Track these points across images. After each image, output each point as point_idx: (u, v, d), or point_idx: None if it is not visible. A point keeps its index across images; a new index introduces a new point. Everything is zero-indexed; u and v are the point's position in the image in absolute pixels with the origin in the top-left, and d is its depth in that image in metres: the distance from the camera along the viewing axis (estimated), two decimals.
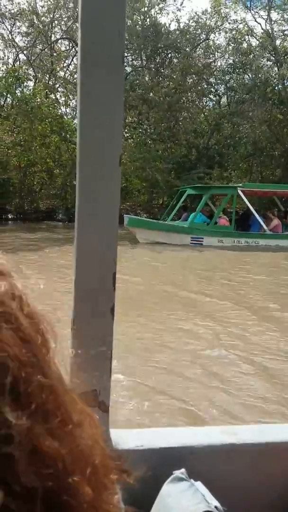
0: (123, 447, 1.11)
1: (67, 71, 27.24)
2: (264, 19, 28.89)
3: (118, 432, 1.18)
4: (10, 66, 26.36)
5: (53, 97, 25.83)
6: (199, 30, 27.98)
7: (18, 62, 27.38)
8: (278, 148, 27.81)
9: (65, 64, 27.59)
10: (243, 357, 4.91)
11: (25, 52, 27.45)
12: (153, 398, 3.92)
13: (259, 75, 27.65)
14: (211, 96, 29.65)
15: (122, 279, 8.89)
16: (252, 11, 29.15)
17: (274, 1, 28.22)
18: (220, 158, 26.90)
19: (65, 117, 25.21)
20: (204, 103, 30.19)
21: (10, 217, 25.38)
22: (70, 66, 27.36)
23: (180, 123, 27.74)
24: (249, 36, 28.93)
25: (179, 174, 24.52)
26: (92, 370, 1.01)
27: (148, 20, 27.24)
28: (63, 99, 26.20)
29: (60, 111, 25.68)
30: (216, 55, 28.57)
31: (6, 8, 26.09)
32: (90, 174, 0.98)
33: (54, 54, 26.94)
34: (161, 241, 15.19)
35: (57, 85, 26.66)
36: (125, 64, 26.82)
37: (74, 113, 25.07)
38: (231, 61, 28.50)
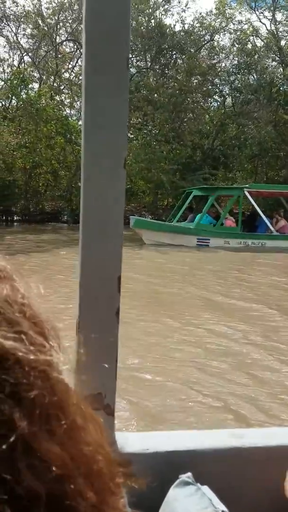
0: (128, 451, 1.10)
1: (72, 72, 27.33)
2: (269, 19, 28.92)
3: (124, 435, 1.18)
4: (15, 68, 26.51)
5: (58, 99, 25.90)
6: (204, 31, 27.99)
7: (23, 64, 27.52)
8: (284, 149, 27.69)
9: (70, 66, 27.67)
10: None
11: (30, 54, 27.57)
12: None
13: (264, 76, 27.61)
14: (216, 97, 29.64)
15: (140, 280, 9.01)
16: (256, 12, 29.19)
17: (279, 1, 28.22)
18: (225, 159, 26.85)
19: (70, 118, 25.30)
20: (209, 104, 30.20)
21: (15, 218, 25.48)
22: (75, 68, 27.43)
23: (185, 124, 27.74)
24: (254, 36, 28.93)
25: (184, 175, 24.49)
26: (98, 373, 1.01)
27: (152, 21, 27.29)
28: (68, 100, 26.28)
29: (65, 112, 25.79)
30: (220, 56, 28.57)
31: (11, 10, 26.24)
32: (95, 176, 0.98)
33: (59, 56, 27.02)
34: (167, 243, 15.15)
35: (62, 87, 26.73)
36: (130, 65, 26.84)
37: (79, 114, 25.14)
38: (235, 62, 28.49)
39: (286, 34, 28.56)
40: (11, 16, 26.42)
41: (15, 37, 27.31)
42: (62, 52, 27.47)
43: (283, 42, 28.27)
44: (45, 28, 26.70)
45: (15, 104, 25.11)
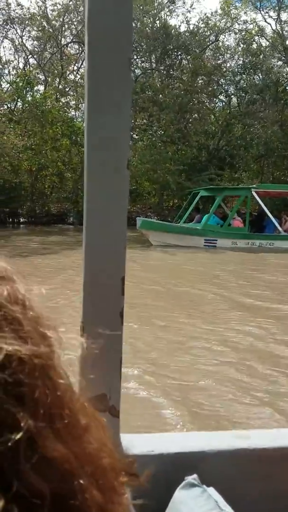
0: (134, 452, 1.10)
1: (78, 74, 27.41)
2: (274, 19, 28.90)
3: (129, 437, 1.17)
4: (20, 70, 26.65)
5: (64, 101, 25.99)
6: (209, 31, 27.99)
7: (28, 66, 27.65)
8: None
9: (75, 68, 27.77)
10: None
11: (35, 56, 27.70)
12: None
13: (270, 76, 27.55)
14: (222, 97, 29.64)
15: (158, 280, 9.06)
16: (262, 12, 29.17)
17: (284, 1, 28.18)
18: (231, 159, 26.83)
19: (75, 120, 25.37)
20: (214, 104, 30.18)
21: (22, 220, 25.58)
22: (80, 70, 27.51)
23: (191, 125, 27.73)
24: (259, 36, 28.90)
25: (190, 176, 24.49)
26: (103, 375, 1.00)
27: (158, 22, 27.32)
28: (73, 102, 26.36)
29: (70, 114, 25.87)
30: (225, 56, 28.56)
31: (16, 13, 26.38)
32: (98, 177, 0.98)
33: (64, 57, 27.11)
34: (174, 244, 15.13)
35: (68, 89, 26.81)
36: (135, 66, 26.99)
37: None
38: (240, 62, 28.46)
39: None
40: (16, 19, 26.60)
41: (20, 40, 27.51)
42: (67, 54, 27.57)
43: None
44: (50, 30, 26.82)
45: (21, 106, 25.23)
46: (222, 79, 28.73)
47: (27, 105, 24.02)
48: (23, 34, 27.52)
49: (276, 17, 28.62)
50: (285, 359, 4.93)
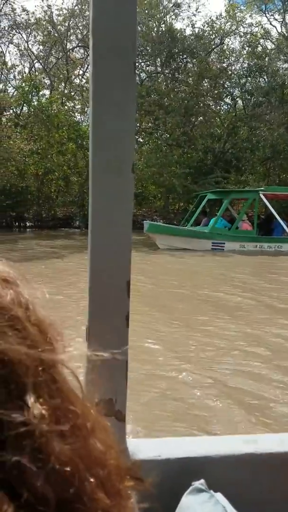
0: (140, 457, 1.09)
1: (83, 79, 27.50)
2: (279, 22, 28.91)
3: (135, 441, 1.16)
4: (26, 75, 26.79)
5: (69, 105, 26.09)
6: (214, 34, 28.00)
7: (33, 71, 27.78)
8: None
9: (80, 72, 27.87)
10: None
11: (40, 61, 27.83)
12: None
13: (276, 78, 27.50)
14: (227, 100, 29.62)
15: (176, 284, 9.08)
16: (267, 15, 29.18)
17: None
18: (237, 162, 26.79)
19: (81, 124, 25.44)
20: (220, 107, 30.17)
21: (28, 224, 25.66)
22: (85, 74, 27.60)
23: (196, 128, 27.72)
24: (264, 39, 28.90)
25: (196, 179, 24.47)
26: (108, 379, 1.00)
27: (163, 26, 27.38)
28: (79, 106, 26.44)
29: (76, 118, 25.96)
30: (230, 59, 28.55)
31: (22, 18, 26.53)
32: (103, 181, 0.98)
33: (70, 62, 27.22)
34: (181, 247, 15.10)
35: (73, 93, 26.91)
36: (140, 70, 27.06)
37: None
38: (246, 65, 28.44)
39: None
40: (21, 25, 26.74)
41: (26, 44, 27.66)
42: (73, 58, 27.68)
43: None
44: (56, 34, 26.94)
45: (27, 111, 25.35)
46: (227, 82, 28.73)
47: (33, 109, 24.13)
48: (29, 39, 27.71)
49: (281, 19, 28.69)
50: None
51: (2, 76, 27.20)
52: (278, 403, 3.92)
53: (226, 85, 28.88)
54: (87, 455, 0.40)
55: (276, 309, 7.33)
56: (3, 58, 27.02)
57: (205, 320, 6.46)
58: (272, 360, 4.93)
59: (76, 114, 26.22)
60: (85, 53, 27.55)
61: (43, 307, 0.44)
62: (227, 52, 28.43)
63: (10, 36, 27.04)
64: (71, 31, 27.65)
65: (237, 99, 29.56)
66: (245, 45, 28.38)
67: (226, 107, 30.19)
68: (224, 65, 28.04)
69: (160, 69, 28.18)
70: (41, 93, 25.46)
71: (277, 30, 29.27)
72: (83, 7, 26.57)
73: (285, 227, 16.17)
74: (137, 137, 24.28)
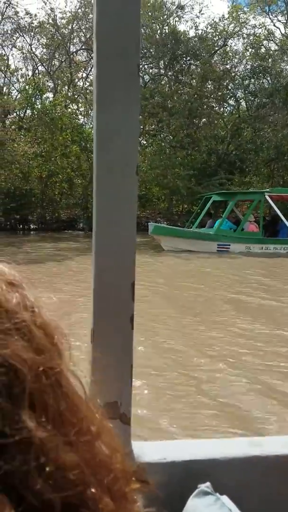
0: (145, 460, 1.08)
1: (86, 82, 27.59)
2: (283, 23, 28.90)
3: (140, 444, 1.16)
4: (29, 78, 26.87)
5: (73, 108, 26.15)
6: (217, 36, 28.03)
7: (37, 74, 27.87)
8: None
9: (83, 75, 27.97)
10: None
11: (44, 64, 27.92)
12: None
13: (280, 79, 27.49)
14: (231, 102, 29.63)
15: (191, 287, 9.05)
16: (270, 16, 29.18)
17: None
18: (241, 163, 26.77)
19: (85, 126, 25.50)
20: (224, 109, 30.18)
21: (32, 227, 25.72)
22: (89, 76, 27.69)
23: (200, 129, 27.73)
24: (268, 41, 28.89)
25: (200, 181, 24.47)
26: (113, 382, 1.00)
27: (166, 28, 27.43)
28: (82, 109, 26.52)
29: (80, 121, 26.03)
30: (234, 61, 28.56)
31: (25, 21, 26.63)
32: (107, 183, 0.98)
33: (73, 65, 27.30)
34: (186, 249, 15.07)
35: (77, 96, 26.99)
36: (144, 72, 27.10)
37: None
38: (249, 66, 28.44)
39: None
40: (25, 28, 26.85)
41: (29, 47, 27.76)
42: (76, 61, 27.76)
43: None
44: (59, 37, 27.03)
45: (30, 114, 25.44)
46: (231, 84, 28.73)
47: (36, 112, 24.21)
48: (32, 42, 27.82)
49: (285, 21, 28.69)
50: None
51: (6, 79, 27.37)
52: None
53: (229, 87, 28.90)
54: (92, 459, 0.39)
55: None
56: (6, 61, 27.15)
57: (238, 321, 6.43)
58: None
59: (79, 116, 26.32)
60: (89, 56, 27.63)
61: (48, 310, 0.44)
62: (230, 53, 28.47)
63: (14, 39, 27.21)
64: (75, 33, 27.79)
65: (241, 100, 29.59)
66: (249, 47, 28.42)
67: (230, 109, 30.23)
68: (228, 66, 28.07)
69: (163, 71, 28.23)
70: (44, 96, 25.57)
71: (280, 31, 29.34)
72: (87, 9, 26.66)
73: None
74: (140, 139, 24.32)
